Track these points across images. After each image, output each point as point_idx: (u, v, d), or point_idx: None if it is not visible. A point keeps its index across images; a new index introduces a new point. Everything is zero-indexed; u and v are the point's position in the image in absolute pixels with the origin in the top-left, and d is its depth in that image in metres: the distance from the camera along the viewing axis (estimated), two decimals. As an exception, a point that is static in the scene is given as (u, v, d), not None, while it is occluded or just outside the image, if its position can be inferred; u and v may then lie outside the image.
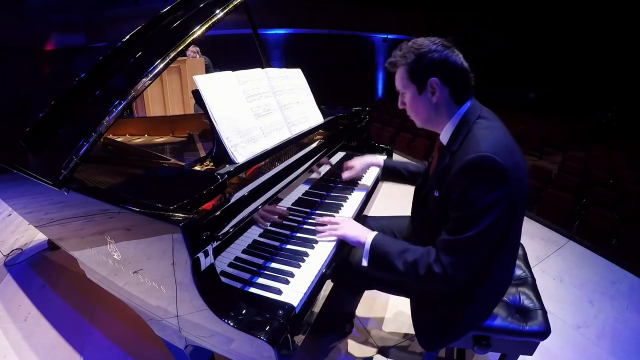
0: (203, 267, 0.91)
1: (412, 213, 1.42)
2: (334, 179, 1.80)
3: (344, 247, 1.32)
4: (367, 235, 1.16)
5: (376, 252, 1.13)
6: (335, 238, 1.26)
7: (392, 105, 10.32)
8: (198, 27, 1.36)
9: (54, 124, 1.51)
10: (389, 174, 1.71)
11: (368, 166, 1.75)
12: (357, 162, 1.72)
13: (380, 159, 1.74)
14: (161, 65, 1.25)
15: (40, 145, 1.55)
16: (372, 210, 1.85)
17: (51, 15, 8.19)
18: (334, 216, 1.46)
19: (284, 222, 1.36)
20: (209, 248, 0.93)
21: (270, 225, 1.29)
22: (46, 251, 2.62)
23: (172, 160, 1.54)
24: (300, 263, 1.17)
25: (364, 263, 1.15)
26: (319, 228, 1.31)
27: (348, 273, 1.38)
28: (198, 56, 4.73)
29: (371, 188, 1.81)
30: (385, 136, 6.98)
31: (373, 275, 1.32)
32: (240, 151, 1.32)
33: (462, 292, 1.11)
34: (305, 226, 1.40)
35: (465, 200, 0.96)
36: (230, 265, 1.11)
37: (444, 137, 1.12)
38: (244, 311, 0.92)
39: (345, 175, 1.70)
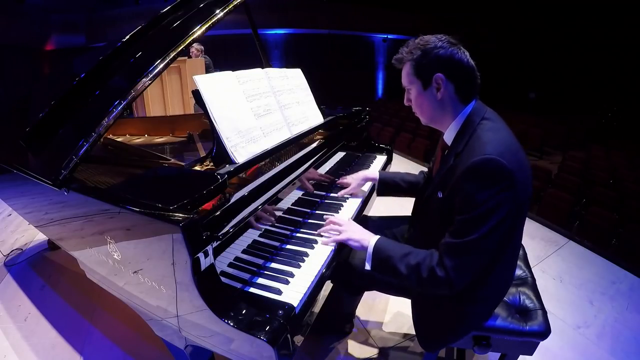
0: (203, 267, 0.91)
1: (412, 214, 1.42)
2: (334, 179, 1.79)
3: (344, 248, 1.32)
4: (369, 239, 1.16)
5: (379, 255, 1.12)
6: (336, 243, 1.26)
7: (392, 105, 10.31)
8: (198, 27, 1.36)
9: (54, 124, 1.51)
10: (386, 187, 1.62)
11: (364, 180, 1.66)
12: (351, 178, 1.66)
13: (376, 172, 1.65)
14: (161, 65, 1.24)
15: (40, 145, 1.55)
16: (372, 210, 1.85)
17: (51, 15, 8.20)
18: (334, 216, 1.45)
19: (285, 221, 1.36)
20: (209, 248, 0.93)
21: (270, 225, 1.29)
22: (46, 251, 2.62)
23: (172, 160, 1.54)
24: (300, 263, 1.17)
25: (367, 267, 1.15)
26: (322, 232, 1.30)
27: (348, 274, 1.38)
28: (201, 55, 4.73)
29: (372, 187, 1.81)
30: (385, 136, 6.98)
31: (373, 277, 1.32)
32: (240, 151, 1.32)
33: (463, 294, 1.10)
34: (305, 226, 1.40)
35: (470, 204, 0.96)
36: (230, 265, 1.11)
37: (448, 137, 1.12)
38: (244, 311, 0.92)
39: (341, 193, 1.63)
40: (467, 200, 0.96)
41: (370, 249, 1.14)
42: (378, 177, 1.62)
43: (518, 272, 1.41)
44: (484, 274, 1.08)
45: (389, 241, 1.15)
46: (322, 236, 1.29)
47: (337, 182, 1.71)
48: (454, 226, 1.00)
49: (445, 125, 1.12)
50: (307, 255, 1.21)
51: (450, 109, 1.07)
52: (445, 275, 0.98)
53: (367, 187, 1.76)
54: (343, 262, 1.36)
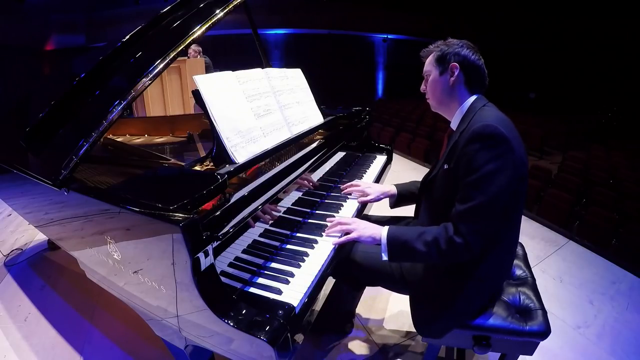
0: (203, 267, 0.91)
1: (416, 206, 1.45)
2: (334, 179, 1.80)
3: (344, 246, 1.32)
4: (380, 232, 1.20)
5: (394, 243, 1.17)
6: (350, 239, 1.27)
7: (392, 105, 10.31)
8: (198, 27, 1.36)
9: (54, 124, 1.51)
10: (404, 198, 1.61)
11: (384, 195, 1.62)
12: (370, 188, 1.63)
13: (393, 187, 1.62)
14: (161, 65, 1.25)
15: (40, 145, 1.55)
16: (372, 210, 1.85)
17: (51, 15, 8.20)
18: (334, 216, 1.46)
19: (285, 220, 1.36)
20: (209, 248, 0.93)
21: (270, 225, 1.29)
22: (46, 251, 2.62)
23: (172, 160, 1.54)
24: (301, 263, 1.17)
25: (384, 258, 1.18)
26: (330, 232, 1.32)
27: (350, 268, 1.38)
28: (199, 56, 4.73)
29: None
30: (385, 136, 6.98)
31: (375, 272, 1.35)
32: (240, 151, 1.32)
33: (457, 273, 1.17)
34: (305, 226, 1.40)
35: (474, 166, 1.04)
36: (230, 265, 1.11)
37: (454, 124, 1.24)
38: (244, 311, 0.92)
39: (361, 199, 1.60)
40: (470, 163, 1.05)
41: (384, 240, 1.18)
42: (397, 192, 1.61)
43: (518, 272, 1.41)
44: (481, 253, 1.12)
45: (399, 227, 1.21)
46: (330, 236, 1.31)
47: (356, 189, 1.65)
48: (460, 192, 1.07)
49: (452, 111, 1.24)
50: (307, 255, 1.21)
51: (457, 96, 1.21)
52: (464, 241, 1.04)
53: (371, 179, 1.75)
54: (346, 257, 1.37)
